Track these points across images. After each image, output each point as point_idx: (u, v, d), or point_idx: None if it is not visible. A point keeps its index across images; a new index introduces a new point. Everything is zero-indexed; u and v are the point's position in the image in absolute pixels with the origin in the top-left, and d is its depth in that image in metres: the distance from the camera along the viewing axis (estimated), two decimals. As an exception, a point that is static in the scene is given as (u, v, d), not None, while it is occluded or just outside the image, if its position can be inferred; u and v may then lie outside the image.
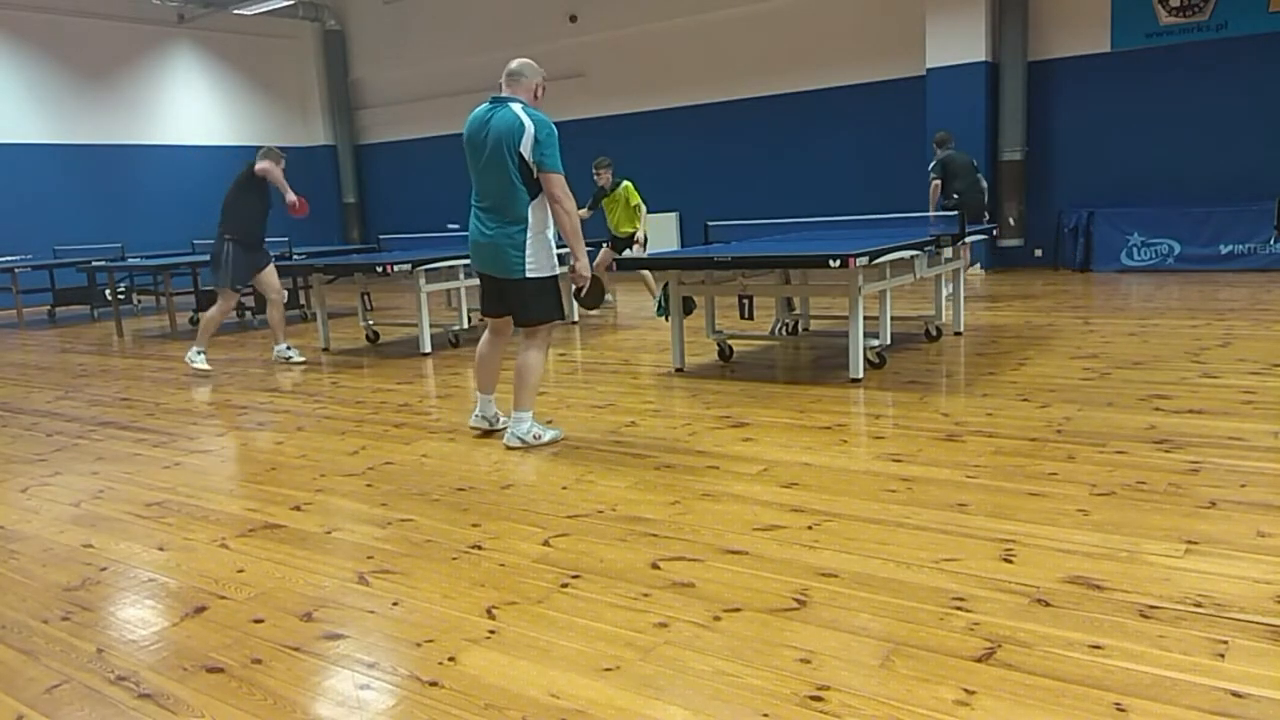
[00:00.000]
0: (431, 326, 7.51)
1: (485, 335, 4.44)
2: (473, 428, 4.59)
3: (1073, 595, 2.41)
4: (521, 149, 3.93)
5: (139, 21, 14.77)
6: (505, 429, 4.39)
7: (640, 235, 9.15)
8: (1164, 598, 2.36)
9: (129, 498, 3.84)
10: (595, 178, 9.15)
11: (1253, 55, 9.68)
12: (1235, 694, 1.92)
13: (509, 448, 4.25)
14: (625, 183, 9.17)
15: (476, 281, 7.59)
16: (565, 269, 4.32)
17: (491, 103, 4.08)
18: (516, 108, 4.00)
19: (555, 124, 4.05)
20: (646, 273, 9.07)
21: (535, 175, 3.98)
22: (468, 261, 7.43)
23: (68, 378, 7.16)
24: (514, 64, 4.14)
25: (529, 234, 4.04)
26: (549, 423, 4.53)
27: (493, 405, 4.53)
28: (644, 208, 9.16)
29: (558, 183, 3.98)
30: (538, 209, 4.05)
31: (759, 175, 12.88)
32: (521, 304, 4.16)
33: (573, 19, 13.96)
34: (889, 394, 4.93)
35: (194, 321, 10.57)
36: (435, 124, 15.87)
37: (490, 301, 4.29)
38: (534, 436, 4.26)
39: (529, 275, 4.07)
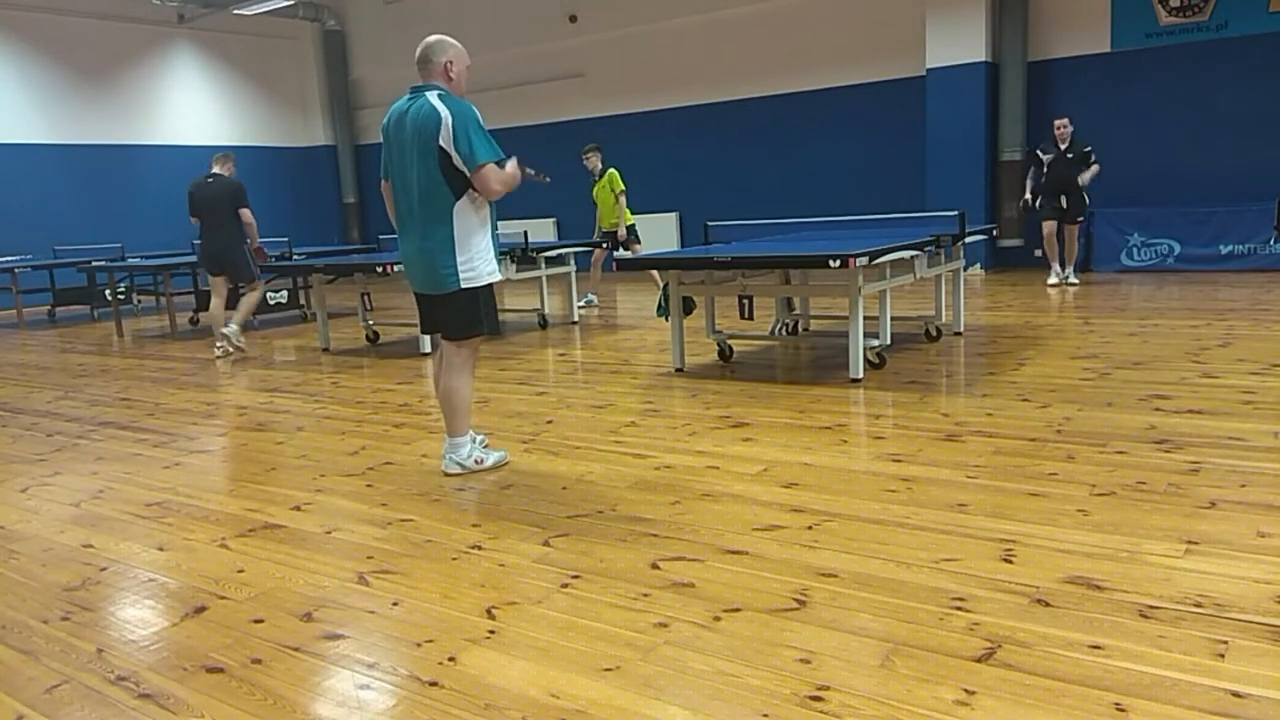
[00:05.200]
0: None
1: (436, 358, 3.94)
2: (445, 472, 3.91)
3: (1073, 595, 2.41)
4: (441, 142, 3.51)
5: (139, 21, 14.77)
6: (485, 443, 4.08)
7: (621, 231, 9.25)
8: (1164, 598, 2.36)
9: (129, 498, 3.84)
10: (584, 162, 9.28)
11: (1253, 55, 9.68)
12: (1235, 694, 1.92)
13: (447, 474, 3.86)
14: (611, 170, 9.29)
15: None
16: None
17: (410, 94, 3.68)
18: (432, 97, 3.58)
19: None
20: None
21: (460, 171, 3.56)
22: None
23: (68, 378, 7.16)
24: (422, 45, 3.67)
25: (457, 239, 3.62)
26: (486, 445, 4.04)
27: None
28: (623, 197, 9.30)
29: (491, 175, 3.53)
30: (465, 210, 3.61)
31: (759, 175, 12.89)
32: (450, 316, 3.74)
33: (573, 19, 13.96)
34: (889, 394, 4.93)
35: (194, 322, 10.58)
36: (435, 124, 15.83)
37: (427, 319, 3.87)
38: (475, 461, 3.86)
39: (463, 286, 3.67)
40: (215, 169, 7.75)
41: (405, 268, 3.82)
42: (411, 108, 3.62)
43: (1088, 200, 9.27)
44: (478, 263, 3.69)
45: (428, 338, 7.19)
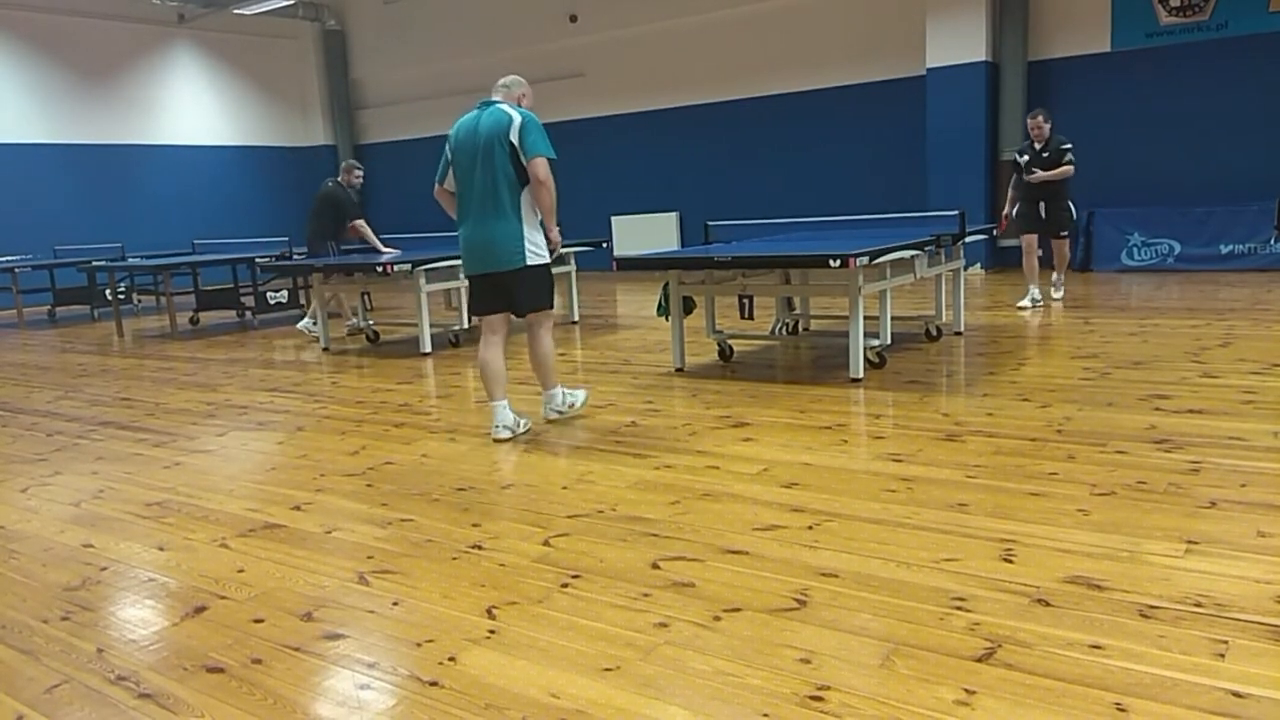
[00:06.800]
0: (432, 326, 7.51)
1: (485, 341, 4.43)
2: (497, 441, 4.38)
3: (1073, 595, 2.41)
4: (511, 137, 4.15)
5: (139, 21, 14.77)
6: (528, 430, 4.53)
7: None
8: (1164, 598, 2.36)
9: (129, 498, 3.84)
10: None
11: (1253, 55, 9.68)
12: (1235, 694, 1.92)
13: (549, 420, 4.64)
14: None
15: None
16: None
17: (480, 106, 4.32)
18: (505, 105, 4.27)
19: (555, 123, 4.28)
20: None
21: (524, 163, 4.17)
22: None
23: (68, 378, 7.16)
24: (506, 77, 4.47)
25: (524, 223, 4.23)
26: (574, 405, 4.78)
27: (510, 412, 4.44)
28: None
29: (542, 165, 4.16)
30: (529, 199, 4.25)
31: (759, 175, 12.88)
32: (523, 293, 4.32)
33: (573, 19, 13.96)
34: (889, 394, 4.92)
35: (194, 322, 10.57)
36: (435, 124, 15.86)
37: (486, 300, 4.38)
38: (569, 405, 4.67)
39: (529, 264, 4.25)
40: (340, 175, 8.88)
41: (470, 252, 4.32)
42: (484, 115, 4.27)
43: (1074, 211, 7.88)
44: (540, 244, 4.32)
45: (428, 337, 7.24)
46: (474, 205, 4.25)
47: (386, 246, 8.83)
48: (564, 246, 8.67)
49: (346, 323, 8.88)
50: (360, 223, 8.82)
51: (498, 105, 4.27)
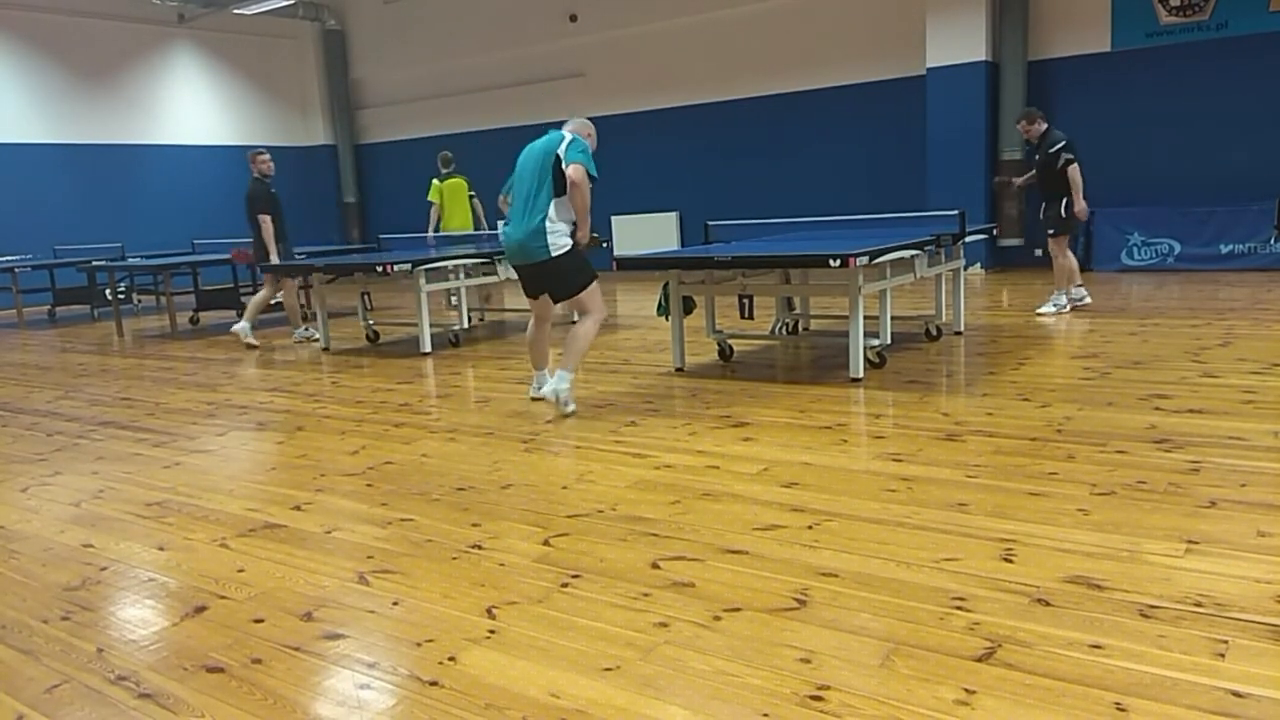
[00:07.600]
0: (432, 326, 7.51)
1: (531, 322, 5.16)
2: (533, 398, 5.24)
3: (1073, 595, 2.41)
4: (559, 151, 4.65)
5: (139, 21, 14.76)
6: (566, 408, 4.91)
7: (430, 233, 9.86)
8: (1164, 597, 2.36)
9: (129, 497, 3.84)
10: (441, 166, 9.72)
11: (1253, 55, 9.67)
12: (1235, 694, 1.92)
13: (533, 399, 5.11)
14: (434, 181, 9.64)
15: (476, 281, 7.80)
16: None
17: (549, 132, 4.85)
18: (566, 131, 4.80)
19: (556, 124, 4.74)
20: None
21: (564, 178, 4.61)
22: (467, 262, 7.50)
23: (68, 377, 7.16)
24: (577, 118, 5.05)
25: (548, 224, 4.67)
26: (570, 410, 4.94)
27: (549, 377, 5.04)
28: (433, 204, 9.67)
29: (577, 169, 4.58)
30: (560, 206, 4.69)
31: (759, 175, 12.88)
32: (557, 280, 4.82)
33: (573, 19, 13.96)
34: (889, 394, 4.92)
35: (194, 321, 10.57)
36: (435, 124, 15.86)
37: (528, 284, 4.95)
38: (563, 400, 4.85)
39: (553, 255, 4.69)
40: (253, 170, 8.38)
41: (508, 247, 4.83)
42: (545, 136, 4.81)
43: (1065, 212, 7.29)
44: (559, 237, 4.72)
45: (428, 337, 7.27)
46: (517, 208, 4.80)
47: (371, 249, 8.81)
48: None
49: (247, 332, 8.30)
50: (266, 220, 8.19)
51: (562, 131, 4.80)
